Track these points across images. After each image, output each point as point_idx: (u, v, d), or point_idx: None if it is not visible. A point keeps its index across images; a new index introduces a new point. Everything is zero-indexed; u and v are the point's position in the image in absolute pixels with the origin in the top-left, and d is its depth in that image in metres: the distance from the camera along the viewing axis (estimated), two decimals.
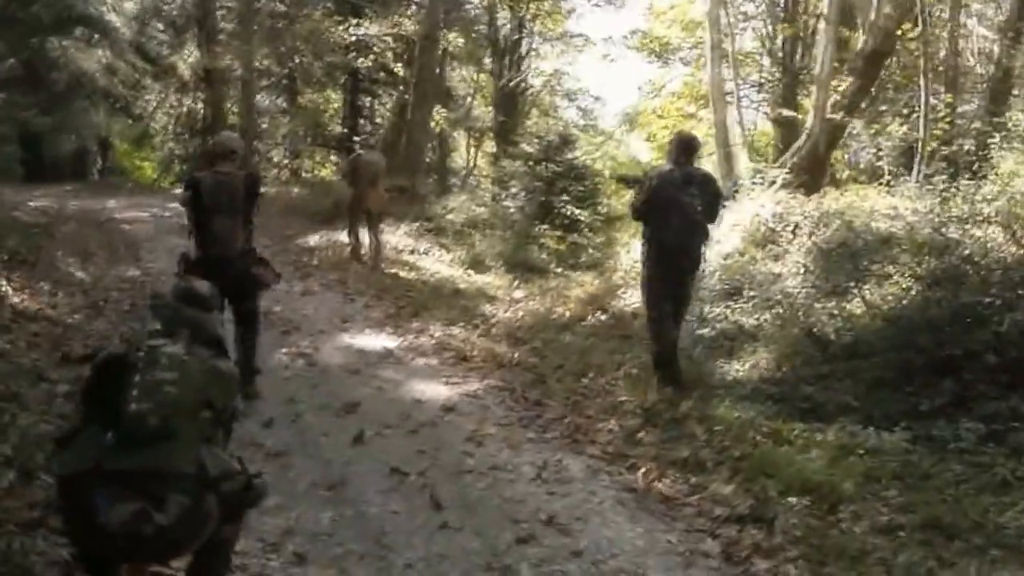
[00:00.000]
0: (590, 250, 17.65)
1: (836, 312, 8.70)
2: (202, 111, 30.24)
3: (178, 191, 8.30)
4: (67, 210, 19.40)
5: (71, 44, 27.85)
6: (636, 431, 7.41)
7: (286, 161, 29.96)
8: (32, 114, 23.66)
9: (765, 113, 23.06)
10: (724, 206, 8.80)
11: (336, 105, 29.75)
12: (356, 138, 19.84)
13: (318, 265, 14.53)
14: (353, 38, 23.56)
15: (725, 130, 16.47)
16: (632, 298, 11.07)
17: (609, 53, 26.53)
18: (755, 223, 11.44)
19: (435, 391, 8.46)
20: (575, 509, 5.89)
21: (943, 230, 9.19)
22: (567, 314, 11.68)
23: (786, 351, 8.33)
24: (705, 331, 9.32)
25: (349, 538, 5.36)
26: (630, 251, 13.64)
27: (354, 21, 23.54)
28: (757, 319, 9.32)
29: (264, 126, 30.11)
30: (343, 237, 15.64)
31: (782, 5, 21.51)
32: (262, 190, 8.76)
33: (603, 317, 10.96)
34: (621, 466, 6.71)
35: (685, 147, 8.36)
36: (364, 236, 14.88)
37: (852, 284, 9.17)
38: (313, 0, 27.72)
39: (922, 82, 13.56)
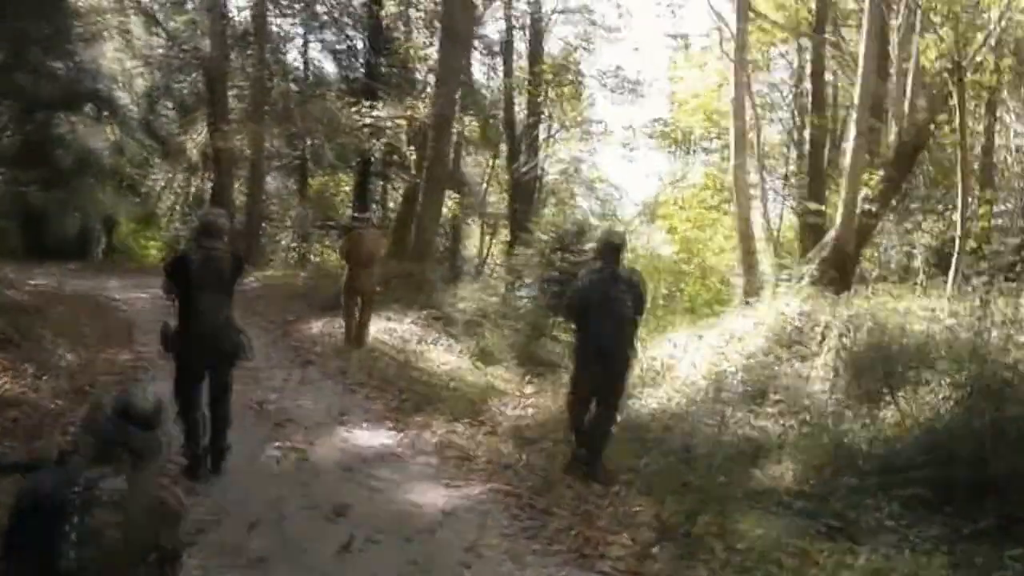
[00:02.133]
0: None
1: (868, 421, 8.30)
2: (210, 192, 30.17)
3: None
4: (65, 290, 19.22)
5: (79, 121, 28.01)
6: (650, 546, 7.00)
7: (294, 245, 29.81)
8: (33, 191, 23.56)
9: (791, 208, 22.84)
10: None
11: (347, 189, 29.68)
12: (356, 215, 19.55)
13: (320, 353, 14.18)
14: (366, 121, 23.46)
15: (748, 224, 16.18)
16: (649, 399, 10.69)
17: (629, 142, 26.51)
18: (780, 322, 11.08)
19: (434, 494, 8.07)
20: None
21: (984, 335, 8.79)
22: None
23: (814, 462, 7.91)
24: (726, 437, 8.90)
25: None
26: (647, 348, 13.25)
27: (367, 104, 23.50)
28: (783, 425, 8.92)
29: (273, 208, 30.09)
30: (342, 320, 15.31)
31: (809, 97, 21.40)
32: (247, 268, 8.86)
33: (619, 418, 10.53)
34: None
35: (612, 248, 8.94)
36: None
37: (885, 391, 8.77)
38: (326, 82, 27.92)
39: (959, 177, 13.28)
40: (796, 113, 22.57)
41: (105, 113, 29.06)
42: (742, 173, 16.04)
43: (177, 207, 32.29)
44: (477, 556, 6.65)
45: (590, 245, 19.65)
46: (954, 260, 12.51)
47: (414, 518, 7.39)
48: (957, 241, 12.67)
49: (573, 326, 9.14)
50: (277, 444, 9.24)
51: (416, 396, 11.69)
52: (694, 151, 25.75)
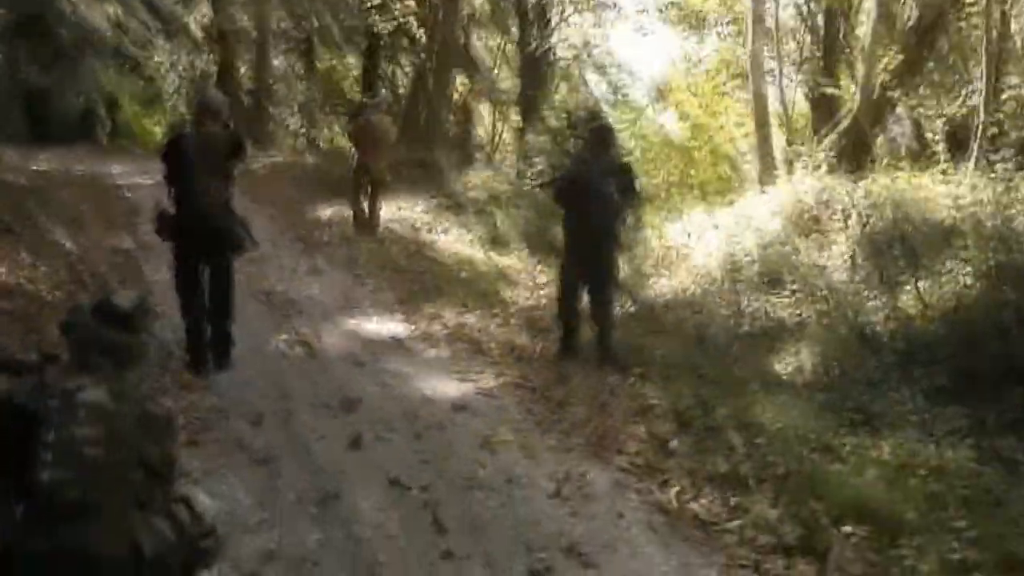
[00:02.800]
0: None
1: (888, 310, 8.05)
2: (215, 73, 29.60)
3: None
4: (69, 174, 18.86)
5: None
6: (667, 438, 6.84)
7: (302, 128, 29.34)
8: (33, 70, 23.06)
9: (804, 93, 22.27)
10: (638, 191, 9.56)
11: (355, 72, 29.06)
12: (365, 100, 19.12)
13: (328, 241, 13.90)
14: (374, 1, 22.84)
15: (764, 107, 15.74)
16: (663, 287, 10.46)
17: (642, 25, 25.81)
18: (797, 207, 10.78)
19: (446, 387, 7.90)
20: (600, 535, 5.32)
21: (1009, 220, 8.50)
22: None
23: (834, 352, 7.69)
24: (743, 326, 8.68)
25: (337, 567, 4.80)
26: (661, 235, 12.98)
27: None
28: (799, 314, 8.68)
29: (279, 91, 29.58)
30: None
31: None
32: (247, 150, 8.59)
33: (633, 308, 10.32)
34: (652, 482, 6.15)
35: (600, 137, 9.06)
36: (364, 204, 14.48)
37: (906, 278, 8.51)
38: None
39: (983, 55, 12.76)
40: None
41: None
42: (759, 55, 15.56)
43: (182, 89, 31.71)
44: (491, 452, 6.50)
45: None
46: (974, 142, 12.08)
47: (425, 413, 7.22)
48: (979, 123, 12.19)
49: (563, 215, 9.12)
50: (284, 336, 9.06)
51: (427, 285, 11.48)
52: (707, 34, 25.02)
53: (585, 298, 8.87)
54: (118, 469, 3.17)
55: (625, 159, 9.37)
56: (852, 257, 9.28)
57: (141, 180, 18.42)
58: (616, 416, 7.33)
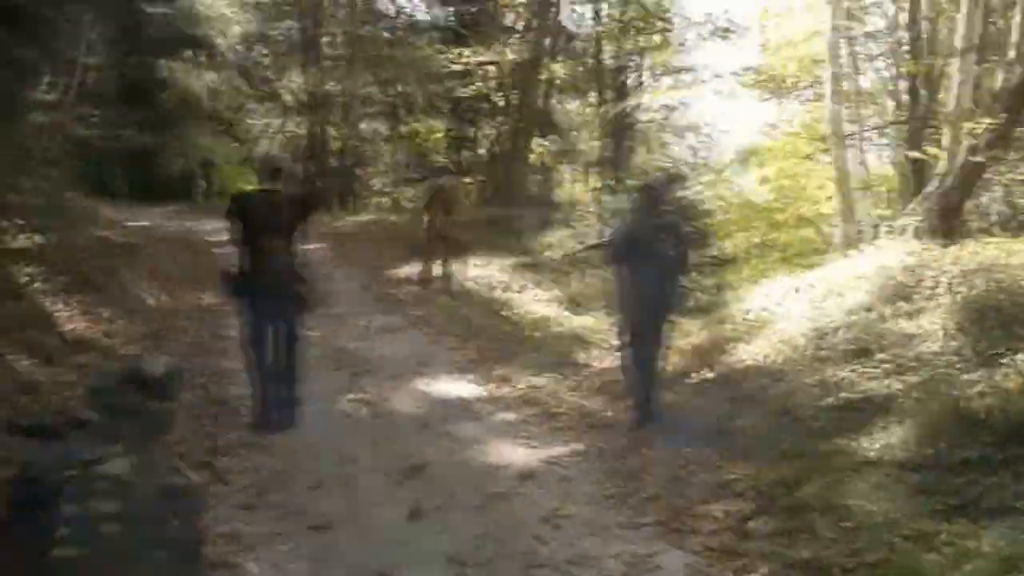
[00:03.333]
0: (699, 294, 16.39)
1: (985, 386, 7.34)
2: (305, 136, 29.81)
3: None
4: (161, 232, 18.86)
5: (178, 65, 27.80)
6: (747, 519, 6.21)
7: (387, 189, 29.36)
8: (133, 133, 23.36)
9: (888, 158, 21.51)
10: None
11: (438, 134, 29.03)
12: (437, 167, 19.03)
13: (405, 300, 13.56)
14: (456, 67, 22.78)
15: (846, 172, 15.08)
16: (743, 354, 9.83)
17: (722, 89, 25.34)
18: (883, 275, 10.11)
19: (513, 454, 7.38)
20: None
21: None
22: (668, 368, 10.47)
23: (927, 429, 7.00)
24: (829, 398, 8.01)
25: None
26: (743, 299, 12.34)
27: (457, 51, 22.77)
28: (888, 387, 8.01)
29: (366, 153, 29.73)
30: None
31: (907, 41, 19.99)
32: (316, 211, 8.35)
33: (710, 375, 9.71)
34: (729, 567, 5.51)
35: (651, 196, 8.75)
36: (437, 267, 14.45)
37: (1003, 352, 7.78)
38: (418, 28, 27.37)
39: None
40: (892, 60, 21.13)
41: (203, 58, 28.76)
42: (838, 119, 14.93)
43: (273, 151, 31.96)
44: (555, 528, 5.93)
45: (683, 192, 18.94)
46: None
47: (490, 481, 6.71)
48: None
49: (616, 275, 8.77)
50: (350, 396, 8.66)
51: (500, 346, 11.05)
52: (788, 98, 24.42)
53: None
54: (139, 547, 2.86)
55: (675, 218, 9.37)
56: (944, 328, 8.58)
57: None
58: (691, 492, 6.73)
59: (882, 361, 8.54)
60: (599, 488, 6.78)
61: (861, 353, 8.80)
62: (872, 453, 6.98)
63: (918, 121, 17.11)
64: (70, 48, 15.93)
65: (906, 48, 20.04)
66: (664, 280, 8.30)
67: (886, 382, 8.06)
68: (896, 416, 7.36)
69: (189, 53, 28.20)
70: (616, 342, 9.32)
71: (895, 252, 10.72)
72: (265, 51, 31.13)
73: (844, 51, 15.67)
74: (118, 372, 3.20)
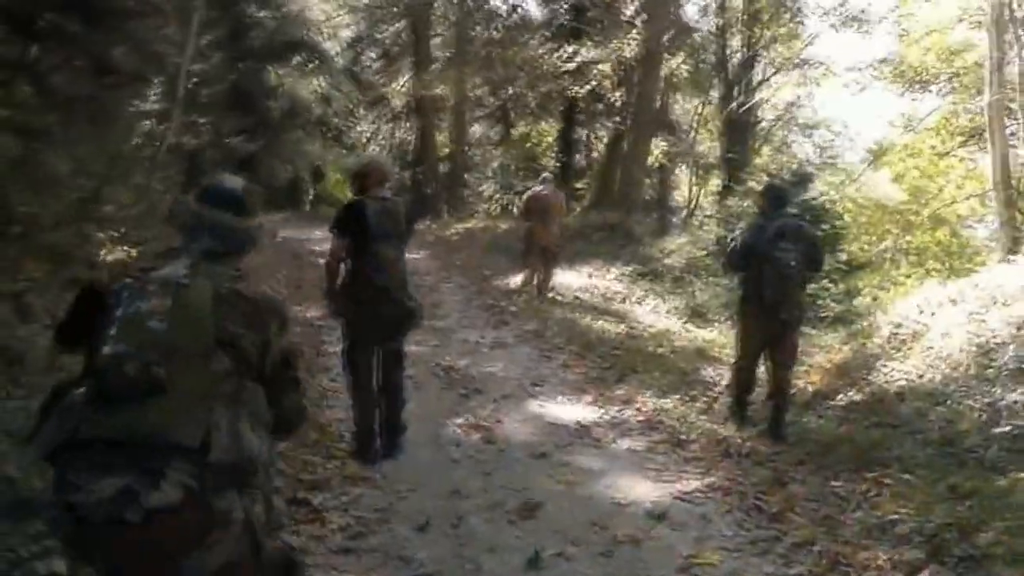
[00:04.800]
0: (830, 303, 15.43)
1: None
2: (413, 141, 29.49)
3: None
4: (268, 239, 18.57)
5: (287, 71, 27.74)
6: (917, 569, 5.36)
7: (496, 195, 28.82)
8: (241, 141, 23.25)
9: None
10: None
11: (550, 137, 28.40)
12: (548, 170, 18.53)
13: (516, 312, 12.89)
14: (571, 65, 22.07)
15: (1007, 166, 13.92)
16: (894, 372, 8.93)
17: (851, 84, 24.10)
18: None
19: (641, 490, 6.61)
20: None
21: None
22: (809, 387, 9.60)
23: None
24: (1001, 426, 7.09)
25: None
26: (888, 311, 11.37)
27: (570, 49, 22.06)
28: None
29: (475, 157, 29.27)
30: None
31: None
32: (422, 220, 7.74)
33: (856, 396, 8.82)
34: None
35: (776, 198, 8.39)
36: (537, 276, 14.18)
37: None
38: (530, 26, 26.74)
39: None
40: None
41: (312, 63, 28.65)
42: (1000, 108, 13.78)
43: (377, 156, 31.75)
44: None
45: (809, 193, 17.97)
46: None
47: (615, 523, 5.96)
48: None
49: (737, 281, 8.64)
50: (460, 420, 8.00)
51: (619, 363, 10.29)
52: (926, 91, 23.11)
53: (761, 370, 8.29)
54: (192, 351, 2.86)
55: (801, 222, 8.64)
56: None
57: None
58: (847, 535, 5.89)
59: None
60: (740, 530, 5.99)
61: None
62: None
63: None
64: (175, 55, 15.71)
65: None
66: (788, 287, 7.91)
67: None
68: None
69: (298, 59, 28.09)
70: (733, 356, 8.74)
71: None
72: (374, 54, 30.94)
73: (1010, 35, 14.24)
74: (195, 190, 3.28)
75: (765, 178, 18.41)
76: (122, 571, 2.81)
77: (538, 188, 14.74)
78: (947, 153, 22.66)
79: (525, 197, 14.97)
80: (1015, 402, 7.44)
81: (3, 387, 5.32)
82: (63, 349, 3.23)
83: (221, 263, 3.12)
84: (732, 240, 8.72)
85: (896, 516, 6.06)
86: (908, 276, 22.73)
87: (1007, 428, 7.08)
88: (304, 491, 6.17)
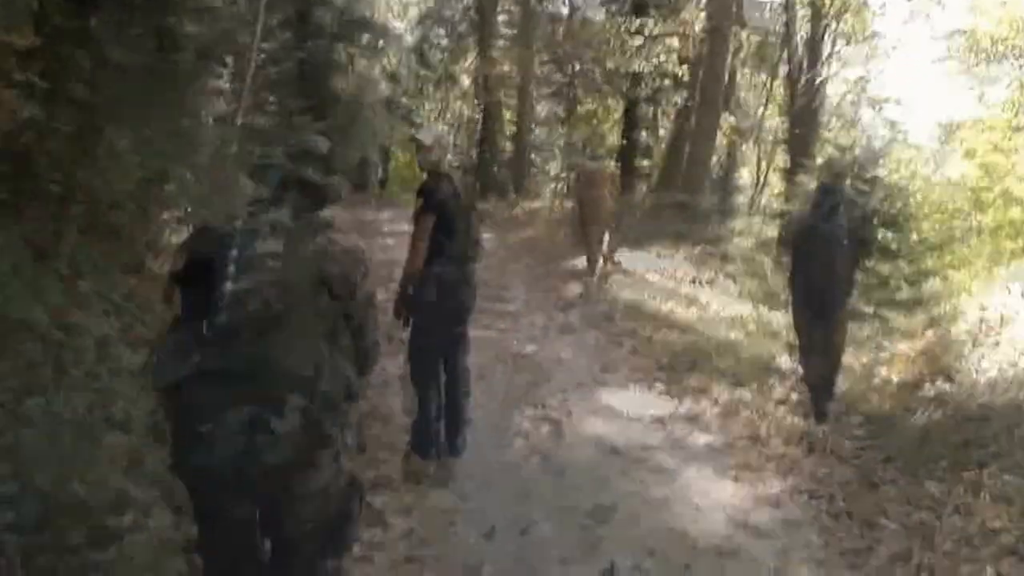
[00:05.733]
0: (903, 284, 14.68)
1: None
2: (480, 120, 29.00)
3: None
4: (337, 221, 18.19)
5: (356, 52, 27.40)
6: None
7: (563, 174, 28.26)
8: (307, 120, 22.89)
9: None
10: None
11: (616, 114, 27.71)
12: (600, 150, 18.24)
13: (583, 295, 12.35)
14: (637, 41, 21.45)
15: None
16: (985, 363, 8.25)
17: (923, 58, 23.27)
18: None
19: (720, 493, 6.10)
20: None
21: None
22: (893, 377, 8.95)
23: None
24: None
25: None
26: (972, 294, 10.63)
27: (637, 21, 21.41)
28: None
29: (541, 136, 28.76)
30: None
31: None
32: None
33: (947, 386, 8.16)
34: None
35: (833, 177, 8.40)
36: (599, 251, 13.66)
37: None
38: (595, 1, 26.11)
39: None
40: None
41: (380, 42, 28.24)
42: None
43: (449, 136, 31.32)
44: None
45: (878, 172, 17.23)
46: None
47: (695, 530, 5.46)
48: None
49: (790, 258, 8.27)
50: (529, 411, 7.50)
51: (691, 350, 9.70)
52: (1001, 64, 22.06)
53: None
54: (302, 288, 3.10)
55: (860, 203, 9.10)
56: None
57: (406, 228, 17.49)
58: (946, 545, 5.32)
59: None
60: (831, 539, 5.47)
61: None
62: None
63: None
64: (244, 33, 15.39)
65: None
66: (836, 268, 7.66)
67: None
68: None
69: (366, 37, 27.71)
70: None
71: None
72: (442, 31, 30.52)
73: None
74: (284, 149, 3.57)
75: (832, 153, 17.75)
76: (242, 493, 3.03)
77: (587, 164, 14.86)
78: (1021, 128, 21.66)
79: (575, 176, 15.16)
80: None
81: (49, 382, 4.90)
82: (173, 291, 3.27)
83: (312, 214, 3.38)
84: (788, 217, 8.58)
85: (998, 524, 5.49)
86: (980, 256, 21.86)
87: None
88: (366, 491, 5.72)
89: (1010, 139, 22.39)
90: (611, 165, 17.04)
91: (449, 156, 6.60)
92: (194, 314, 3.05)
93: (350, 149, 27.79)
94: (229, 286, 3.00)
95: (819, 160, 17.80)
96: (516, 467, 6.41)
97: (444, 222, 5.95)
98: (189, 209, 10.23)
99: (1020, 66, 21.62)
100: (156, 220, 9.56)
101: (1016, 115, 22.50)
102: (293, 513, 3.17)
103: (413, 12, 30.70)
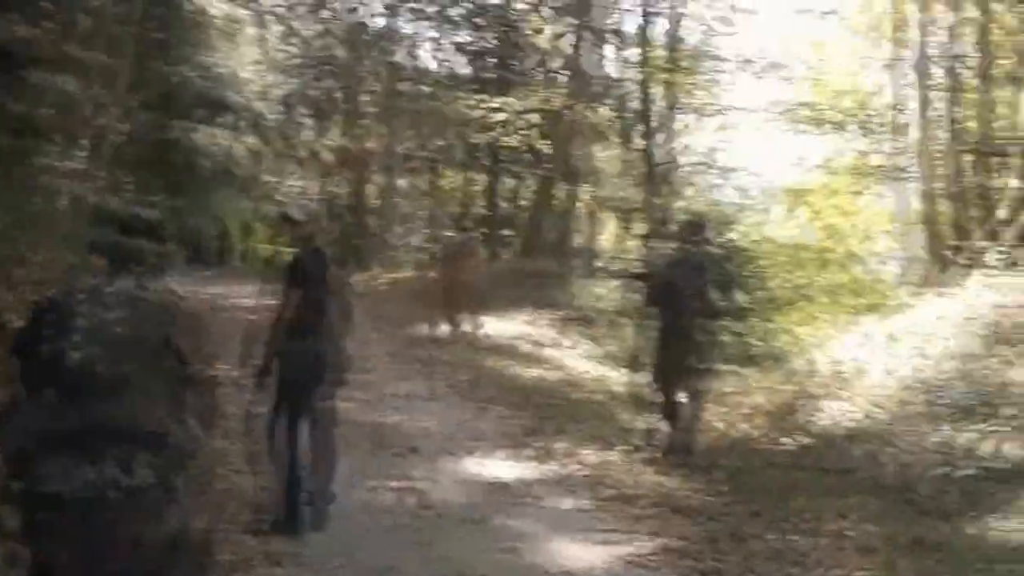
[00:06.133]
0: (757, 341, 14.92)
1: None
2: (344, 195, 28.80)
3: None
4: (194, 297, 17.57)
5: (219, 132, 27.04)
6: None
7: (426, 244, 28.25)
8: (166, 197, 22.37)
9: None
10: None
11: (479, 187, 27.87)
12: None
13: (448, 362, 12.09)
14: (501, 116, 21.65)
15: (931, 203, 13.55)
16: (838, 413, 8.28)
17: (768, 128, 23.96)
18: (989, 317, 8.58)
19: (589, 556, 5.85)
20: None
21: None
22: (755, 432, 8.92)
23: None
24: (960, 468, 6.44)
25: None
26: (828, 351, 10.73)
27: (499, 100, 21.65)
28: None
29: (404, 209, 28.73)
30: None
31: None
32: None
33: (806, 440, 8.14)
34: None
35: (693, 231, 8.56)
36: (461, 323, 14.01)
37: None
38: (458, 80, 26.40)
39: None
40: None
41: (243, 122, 27.92)
42: (925, 147, 13.41)
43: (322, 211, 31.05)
44: None
45: (729, 234, 17.64)
46: None
47: None
48: None
49: (652, 312, 8.50)
50: (393, 483, 7.14)
51: (558, 413, 9.53)
52: (839, 134, 22.94)
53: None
54: (147, 348, 3.12)
55: (716, 258, 9.32)
56: None
57: (268, 302, 17.01)
58: None
59: (1012, 417, 7.00)
60: None
61: (985, 409, 7.25)
62: None
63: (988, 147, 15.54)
64: (95, 114, 14.88)
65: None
66: (704, 315, 8.03)
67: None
68: None
69: (229, 118, 27.38)
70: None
71: (1005, 288, 9.14)
72: (305, 112, 30.35)
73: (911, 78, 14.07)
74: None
75: (688, 218, 18.05)
76: (91, 548, 2.98)
77: (453, 237, 15.26)
78: (861, 192, 22.49)
79: (443, 248, 15.36)
80: (968, 440, 6.83)
81: None
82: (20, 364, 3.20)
83: (157, 280, 3.36)
84: (650, 277, 8.81)
85: (862, 574, 5.40)
86: (825, 313, 22.49)
87: (966, 471, 6.44)
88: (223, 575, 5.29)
89: (852, 203, 23.24)
90: (475, 237, 17.00)
91: (320, 231, 6.37)
92: (41, 382, 3.06)
93: (210, 224, 27.35)
94: (75, 354, 3.02)
95: (674, 227, 18.07)
96: (382, 541, 6.05)
97: (311, 296, 5.80)
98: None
99: (862, 135, 22.49)
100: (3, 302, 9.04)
101: (857, 181, 23.35)
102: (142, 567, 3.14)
103: (277, 92, 30.41)
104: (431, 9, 26.63)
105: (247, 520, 6.09)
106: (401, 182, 28.97)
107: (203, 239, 27.19)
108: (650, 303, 8.55)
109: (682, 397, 8.08)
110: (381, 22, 27.52)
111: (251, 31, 28.37)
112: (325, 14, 28.15)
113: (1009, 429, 6.92)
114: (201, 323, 3.48)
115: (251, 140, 28.57)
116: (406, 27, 27.53)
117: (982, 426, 7.08)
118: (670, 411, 8.12)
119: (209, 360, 3.43)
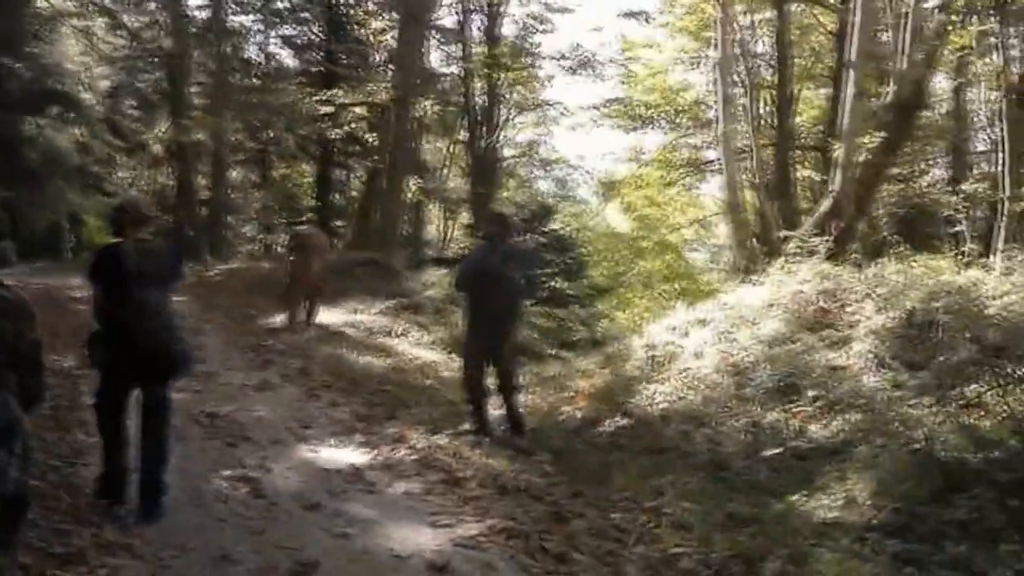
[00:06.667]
0: (579, 326, 15.08)
1: (950, 425, 6.00)
2: (174, 186, 27.77)
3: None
4: (25, 288, 16.54)
5: (45, 122, 25.63)
6: None
7: (259, 236, 27.50)
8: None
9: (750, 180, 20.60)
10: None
11: (309, 179, 27.35)
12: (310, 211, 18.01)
13: (281, 351, 11.75)
14: (329, 109, 21.26)
15: (735, 193, 13.91)
16: (655, 395, 8.38)
17: (585, 123, 24.33)
18: (798, 302, 8.85)
19: (419, 538, 5.70)
20: None
21: None
22: (578, 414, 8.95)
23: (892, 481, 5.65)
24: (767, 448, 6.58)
25: None
26: (644, 335, 10.85)
27: (327, 93, 21.26)
28: (832, 429, 6.65)
29: (235, 200, 27.94)
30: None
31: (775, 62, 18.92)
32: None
33: (624, 422, 8.22)
34: None
35: (500, 224, 8.64)
36: (302, 312, 13.74)
37: (955, 383, 6.51)
38: (286, 74, 25.83)
39: (1003, 128, 10.99)
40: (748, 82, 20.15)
41: (70, 113, 26.59)
42: (730, 138, 13.75)
43: (132, 197, 29.83)
44: None
45: (552, 226, 17.81)
46: (999, 225, 10.17)
47: None
48: (1003, 204, 10.34)
49: (465, 299, 8.77)
50: (227, 472, 6.83)
51: (388, 399, 9.36)
52: (651, 128, 23.49)
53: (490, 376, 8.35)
54: None
55: (524, 245, 9.29)
56: (876, 356, 7.29)
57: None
58: (634, 571, 5.20)
59: (816, 399, 7.21)
60: None
61: (790, 390, 7.45)
62: (834, 513, 5.59)
63: (783, 144, 16.15)
64: None
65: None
66: (513, 299, 8.35)
67: (827, 423, 6.71)
68: (851, 465, 6.00)
69: (56, 109, 26.00)
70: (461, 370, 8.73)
71: (805, 276, 9.43)
72: (133, 103, 29.12)
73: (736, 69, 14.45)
74: None
75: (489, 211, 18.20)
76: None
77: (301, 228, 14.42)
78: (671, 183, 23.03)
79: (291, 237, 14.77)
80: (776, 420, 7.01)
81: None
82: None
83: None
84: (461, 262, 9.20)
85: (679, 548, 5.44)
86: (641, 298, 22.97)
87: (773, 450, 6.58)
88: (54, 568, 4.91)
89: (661, 195, 23.77)
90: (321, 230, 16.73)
91: (148, 222, 6.04)
92: None
93: (40, 217, 25.93)
94: None
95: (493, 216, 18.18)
96: (216, 530, 5.75)
97: (117, 289, 5.60)
98: None
99: (669, 129, 23.03)
100: None
101: (667, 173, 23.91)
102: None
103: (104, 84, 29.07)
104: (257, 2, 26.08)
105: (80, 509, 5.75)
106: (232, 173, 28.22)
107: (34, 232, 25.86)
108: (460, 288, 8.73)
109: (494, 379, 8.26)
110: (207, 14, 26.83)
111: (76, 22, 27.15)
112: (151, 6, 27.19)
113: (811, 410, 7.14)
114: (26, 309, 3.61)
115: (78, 132, 27.36)
116: (233, 19, 27.16)
117: (789, 407, 7.28)
118: (481, 393, 8.26)
119: (35, 345, 3.60)
